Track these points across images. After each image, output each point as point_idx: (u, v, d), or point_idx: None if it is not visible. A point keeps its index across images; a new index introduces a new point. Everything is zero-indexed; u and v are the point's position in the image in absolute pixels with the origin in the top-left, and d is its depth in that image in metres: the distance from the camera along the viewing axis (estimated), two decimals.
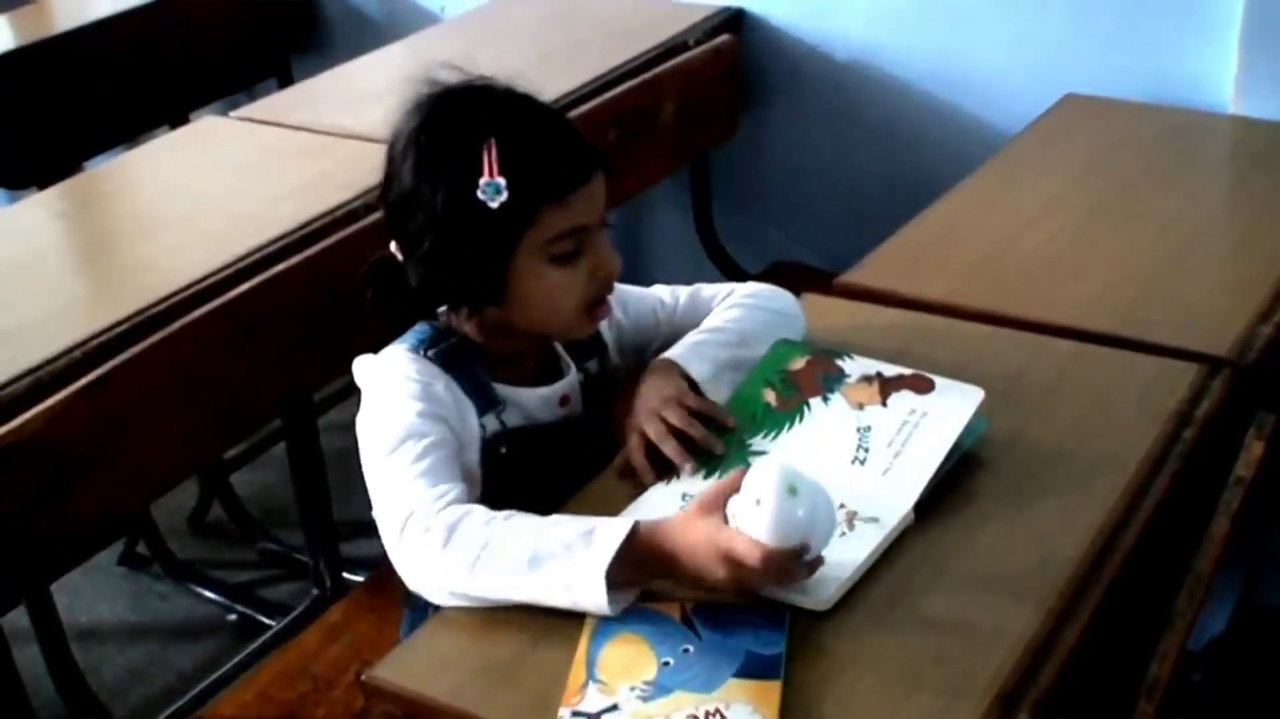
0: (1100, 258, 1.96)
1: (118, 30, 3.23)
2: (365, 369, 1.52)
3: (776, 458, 1.35)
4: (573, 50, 2.87)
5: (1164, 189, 2.16)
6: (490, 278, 1.46)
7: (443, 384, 1.48)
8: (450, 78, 1.49)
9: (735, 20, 2.99)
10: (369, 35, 3.39)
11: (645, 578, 1.30)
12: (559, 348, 1.61)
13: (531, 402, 1.55)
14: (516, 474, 1.50)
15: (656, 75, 2.73)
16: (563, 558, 1.27)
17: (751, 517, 1.25)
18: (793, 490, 1.25)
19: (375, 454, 1.42)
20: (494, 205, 1.40)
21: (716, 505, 1.29)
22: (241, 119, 2.70)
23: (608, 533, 1.28)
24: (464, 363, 1.51)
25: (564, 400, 1.58)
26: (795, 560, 1.25)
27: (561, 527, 1.30)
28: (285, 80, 3.58)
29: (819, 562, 1.28)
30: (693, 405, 1.50)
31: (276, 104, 2.84)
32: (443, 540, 1.31)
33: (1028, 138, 2.42)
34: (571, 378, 1.60)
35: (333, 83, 2.90)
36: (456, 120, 1.45)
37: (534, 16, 3.15)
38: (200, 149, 2.62)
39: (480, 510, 1.34)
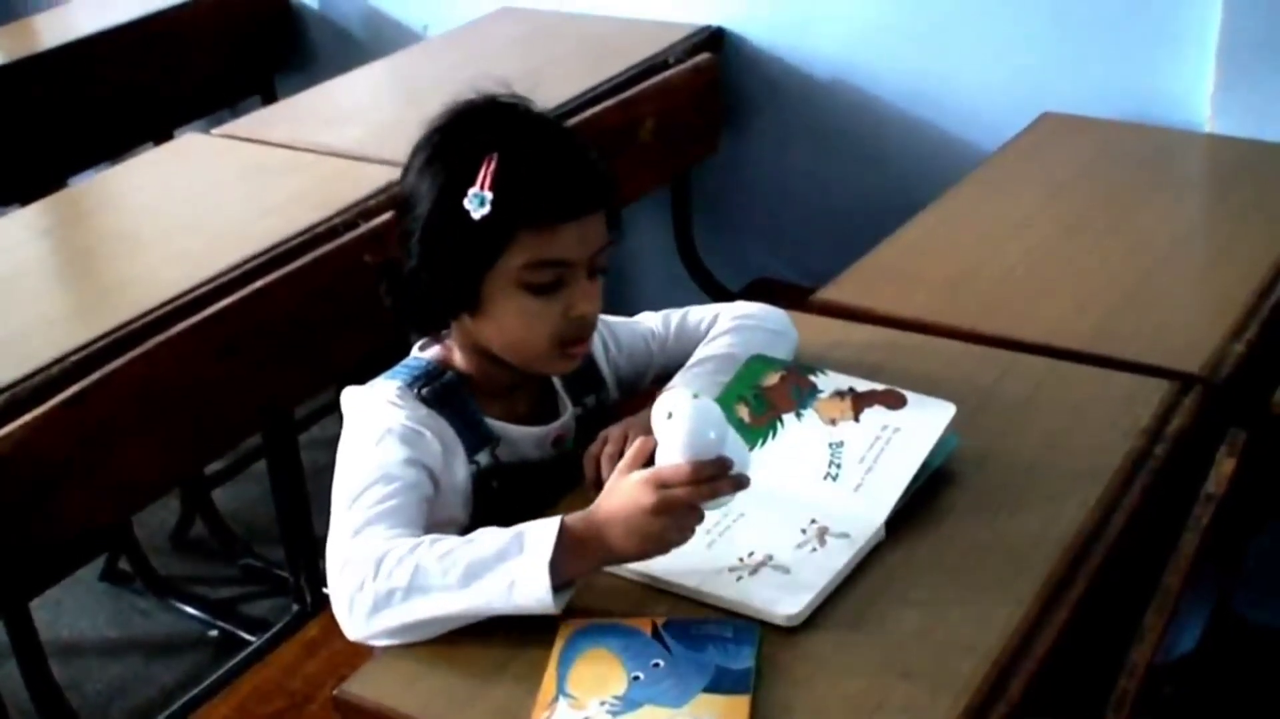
0: (1074, 275, 1.97)
1: (103, 48, 3.25)
2: (353, 402, 1.51)
3: (675, 389, 1.35)
4: (553, 69, 2.88)
5: (1139, 207, 2.17)
6: (464, 287, 1.45)
7: (431, 431, 1.46)
8: (496, 90, 1.49)
9: (715, 39, 3.00)
10: (352, 53, 3.41)
11: (586, 566, 1.30)
12: (557, 384, 1.60)
13: (523, 441, 1.55)
14: (506, 507, 1.48)
15: (637, 94, 2.75)
16: (501, 562, 1.27)
17: (668, 442, 1.28)
18: (696, 396, 1.29)
19: (343, 492, 1.40)
20: (476, 216, 1.40)
21: (634, 468, 1.32)
22: (223, 136, 2.72)
23: (540, 529, 1.28)
24: (456, 400, 1.50)
25: (557, 440, 1.58)
26: (720, 470, 1.27)
27: (489, 537, 1.30)
28: (269, 98, 3.59)
29: (745, 480, 1.30)
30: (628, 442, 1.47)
31: (259, 121, 2.86)
32: (373, 573, 1.29)
33: (1005, 156, 2.43)
34: (567, 417, 1.59)
35: (315, 100, 2.92)
36: (473, 129, 1.46)
37: (515, 35, 3.17)
38: (182, 166, 2.63)
39: (402, 541, 1.32)
